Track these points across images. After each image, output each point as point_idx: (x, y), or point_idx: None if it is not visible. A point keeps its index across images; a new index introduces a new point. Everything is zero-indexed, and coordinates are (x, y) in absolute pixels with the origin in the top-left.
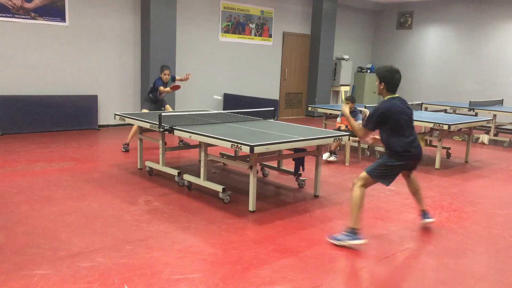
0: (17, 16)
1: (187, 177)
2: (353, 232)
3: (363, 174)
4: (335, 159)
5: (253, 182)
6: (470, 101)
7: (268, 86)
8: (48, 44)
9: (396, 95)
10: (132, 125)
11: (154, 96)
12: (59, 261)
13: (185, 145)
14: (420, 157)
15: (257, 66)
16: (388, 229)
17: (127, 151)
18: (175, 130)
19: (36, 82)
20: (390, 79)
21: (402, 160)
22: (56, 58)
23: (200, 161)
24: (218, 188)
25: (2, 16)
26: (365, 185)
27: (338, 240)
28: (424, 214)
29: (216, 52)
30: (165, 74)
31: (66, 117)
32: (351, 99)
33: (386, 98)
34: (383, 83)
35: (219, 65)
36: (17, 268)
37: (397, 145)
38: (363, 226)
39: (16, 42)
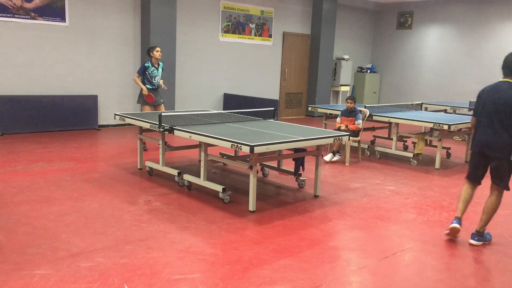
0: (17, 16)
1: (187, 177)
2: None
3: None
4: (339, 157)
5: (253, 182)
6: (470, 101)
7: (268, 86)
8: (48, 44)
9: (502, 79)
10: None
11: (149, 86)
12: (59, 261)
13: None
14: (490, 148)
15: (257, 66)
16: (388, 229)
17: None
18: (175, 130)
19: (36, 82)
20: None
21: (474, 147)
22: (56, 58)
23: (200, 161)
24: (218, 188)
25: (2, 16)
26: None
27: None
28: (478, 234)
29: (216, 52)
30: (157, 51)
31: (66, 117)
32: (352, 99)
33: None
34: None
35: (219, 65)
36: (17, 268)
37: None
38: (363, 226)
39: (16, 42)
